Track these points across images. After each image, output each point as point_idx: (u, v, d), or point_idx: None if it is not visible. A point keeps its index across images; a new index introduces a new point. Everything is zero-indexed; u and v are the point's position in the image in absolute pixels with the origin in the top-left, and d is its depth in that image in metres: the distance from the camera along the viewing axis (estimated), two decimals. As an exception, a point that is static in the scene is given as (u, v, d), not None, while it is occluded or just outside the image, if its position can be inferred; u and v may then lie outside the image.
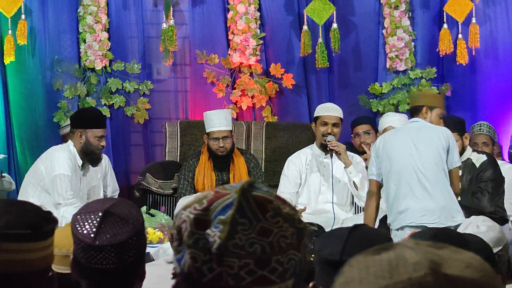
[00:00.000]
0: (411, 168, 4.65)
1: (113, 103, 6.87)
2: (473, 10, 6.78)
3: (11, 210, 1.58)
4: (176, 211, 4.69)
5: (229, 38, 6.97)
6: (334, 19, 6.80)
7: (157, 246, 4.73)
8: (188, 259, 1.18)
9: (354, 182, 5.40)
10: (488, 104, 6.93)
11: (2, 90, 6.63)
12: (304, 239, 1.23)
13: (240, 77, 6.95)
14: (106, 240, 1.91)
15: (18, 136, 6.67)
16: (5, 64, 6.58)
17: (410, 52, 6.95)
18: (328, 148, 5.44)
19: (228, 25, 6.96)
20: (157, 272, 2.54)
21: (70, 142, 5.38)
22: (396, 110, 6.87)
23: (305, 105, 7.03)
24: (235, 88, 6.95)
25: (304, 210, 5.30)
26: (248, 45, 6.86)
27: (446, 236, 2.31)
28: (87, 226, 1.93)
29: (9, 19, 6.48)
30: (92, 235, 1.91)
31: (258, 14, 6.95)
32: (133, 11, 6.91)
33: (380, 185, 4.80)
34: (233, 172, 5.80)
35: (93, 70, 6.83)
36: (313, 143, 5.88)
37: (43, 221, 1.60)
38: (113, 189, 5.82)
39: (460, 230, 3.10)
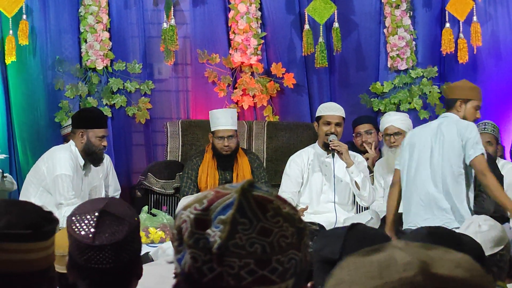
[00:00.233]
0: (424, 169, 4.70)
1: (115, 103, 6.87)
2: (474, 9, 6.78)
3: (12, 210, 1.58)
4: (177, 210, 4.70)
5: (230, 37, 6.97)
6: (335, 18, 6.80)
7: (156, 246, 4.73)
8: (189, 259, 1.18)
9: (356, 182, 5.40)
10: (490, 103, 6.92)
11: (3, 90, 6.63)
12: (304, 239, 1.23)
13: (241, 77, 6.95)
14: (105, 239, 1.91)
15: (19, 136, 6.67)
16: (6, 64, 6.58)
17: (411, 51, 6.95)
18: (330, 148, 5.43)
19: (229, 24, 6.96)
20: (157, 272, 2.54)
21: (71, 142, 5.38)
22: (398, 109, 6.87)
23: (306, 105, 7.03)
24: (236, 88, 6.95)
25: (305, 209, 5.30)
26: (249, 45, 6.86)
27: (440, 235, 2.31)
28: (84, 227, 1.93)
29: (10, 19, 6.48)
30: (90, 235, 1.91)
31: (259, 13, 6.95)
32: (134, 11, 6.91)
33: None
34: (237, 171, 5.80)
35: (94, 70, 6.84)
36: (314, 142, 5.88)
37: (43, 221, 1.60)
38: (114, 189, 5.82)
39: (461, 229, 3.09)
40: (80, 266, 1.92)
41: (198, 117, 6.92)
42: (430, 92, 6.95)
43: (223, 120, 5.73)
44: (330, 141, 5.41)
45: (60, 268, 2.33)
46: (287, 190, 5.59)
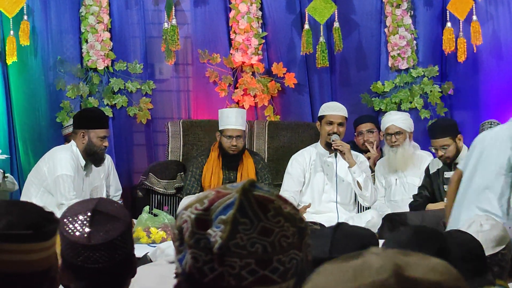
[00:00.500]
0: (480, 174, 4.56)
1: (116, 103, 6.87)
2: (474, 8, 6.78)
3: (12, 210, 1.57)
4: (178, 210, 4.70)
5: (231, 37, 6.96)
6: (336, 18, 6.80)
7: (154, 246, 4.73)
8: (190, 259, 1.18)
9: (358, 182, 5.39)
10: (491, 103, 6.92)
11: (4, 91, 6.63)
12: (305, 239, 1.22)
13: (242, 77, 6.95)
14: (100, 238, 1.91)
15: (20, 136, 6.68)
16: (8, 64, 6.58)
17: (412, 51, 6.94)
18: (332, 148, 5.43)
19: (230, 24, 6.96)
20: (158, 272, 2.54)
21: (72, 142, 5.38)
22: (399, 109, 6.86)
23: (307, 104, 7.02)
24: (237, 88, 6.95)
25: (308, 206, 5.30)
26: (250, 45, 6.86)
27: (425, 234, 2.31)
28: (78, 228, 1.92)
29: (11, 20, 6.48)
30: (86, 236, 1.91)
31: (260, 13, 6.95)
32: (135, 11, 6.91)
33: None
34: (241, 172, 5.80)
35: (95, 70, 6.84)
36: (315, 142, 5.88)
37: (44, 222, 1.60)
38: (116, 189, 5.82)
39: (463, 229, 3.09)
40: (75, 267, 1.91)
41: (199, 117, 6.92)
42: (431, 91, 6.95)
43: (233, 119, 5.72)
44: (333, 140, 5.41)
45: None
46: (289, 189, 5.59)
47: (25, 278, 1.55)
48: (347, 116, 5.61)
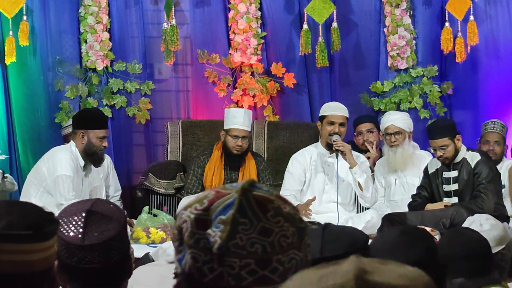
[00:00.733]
0: None
1: (115, 104, 6.87)
2: (471, 8, 6.78)
3: (12, 210, 1.57)
4: (178, 210, 4.69)
5: (230, 37, 6.96)
6: (335, 18, 6.80)
7: (156, 246, 4.73)
8: (189, 259, 1.18)
9: (358, 183, 5.38)
10: (490, 102, 6.92)
11: (3, 91, 6.63)
12: (305, 239, 1.22)
13: (241, 77, 6.95)
14: (95, 238, 1.91)
15: (20, 136, 6.67)
16: (7, 64, 6.58)
17: (411, 51, 6.95)
18: (333, 148, 5.42)
19: (229, 24, 6.96)
20: (158, 272, 2.54)
21: (72, 142, 5.37)
22: (398, 109, 6.87)
23: (306, 104, 7.02)
24: (236, 88, 6.95)
25: (313, 200, 5.29)
26: (249, 45, 6.86)
27: (412, 234, 2.31)
28: (72, 228, 1.92)
29: (10, 20, 6.48)
30: (80, 236, 1.91)
31: (259, 13, 6.95)
32: (134, 11, 6.91)
33: None
34: (243, 172, 5.79)
35: (94, 70, 6.84)
36: (315, 142, 5.87)
37: (44, 222, 1.60)
38: (115, 189, 5.82)
39: (462, 228, 3.09)
40: (70, 268, 1.91)
41: (199, 117, 6.92)
42: (430, 91, 6.95)
43: (240, 119, 5.69)
44: (334, 141, 5.40)
45: None
46: (290, 188, 5.58)
47: (25, 278, 1.55)
48: (348, 116, 5.61)
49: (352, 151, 5.48)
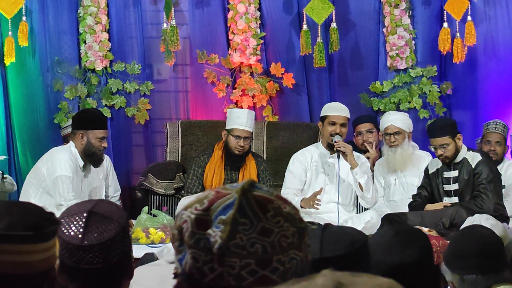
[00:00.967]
0: None
1: (114, 104, 6.87)
2: (469, 8, 6.78)
3: (13, 211, 1.57)
4: (177, 211, 4.69)
5: (229, 38, 6.96)
6: (334, 18, 6.80)
7: (159, 246, 4.73)
8: (189, 259, 1.18)
9: (359, 183, 5.38)
10: (489, 102, 6.92)
11: (2, 91, 6.63)
12: (305, 239, 1.22)
13: (241, 77, 6.95)
14: (94, 239, 1.91)
15: (19, 137, 6.67)
16: (6, 65, 6.58)
17: (410, 51, 6.95)
18: (335, 149, 5.41)
19: (228, 25, 6.96)
20: (158, 272, 2.54)
21: (71, 143, 5.37)
22: (397, 109, 6.86)
23: (305, 104, 7.02)
24: (235, 88, 6.95)
25: (320, 191, 5.28)
26: (248, 45, 6.86)
27: (407, 234, 2.31)
28: (73, 228, 1.93)
29: (9, 20, 6.48)
30: (80, 236, 1.91)
31: (258, 13, 6.95)
32: (133, 12, 6.91)
33: None
34: (243, 172, 5.78)
35: (93, 71, 6.84)
36: (314, 142, 5.87)
37: (45, 222, 1.60)
38: (114, 190, 5.81)
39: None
40: (70, 268, 1.91)
41: (198, 117, 6.92)
42: (429, 91, 6.95)
43: (243, 120, 5.69)
44: (335, 142, 5.39)
45: None
46: (291, 186, 5.57)
47: (25, 279, 1.55)
48: (349, 116, 5.60)
49: (353, 151, 5.48)
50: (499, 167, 5.55)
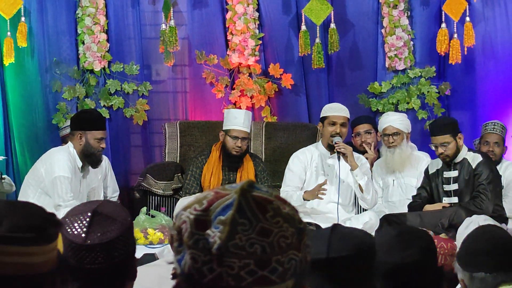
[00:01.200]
0: None
1: (112, 105, 6.87)
2: (467, 9, 6.78)
3: (16, 212, 1.57)
4: (175, 211, 4.68)
5: (228, 38, 6.96)
6: (332, 19, 6.80)
7: (157, 247, 4.74)
8: (189, 260, 1.18)
9: (359, 185, 5.37)
10: (488, 103, 6.93)
11: (1, 92, 6.63)
12: (304, 239, 1.22)
13: (239, 78, 6.95)
14: (97, 238, 1.91)
15: (17, 138, 6.67)
16: (4, 65, 6.58)
17: (409, 51, 6.95)
18: (335, 150, 5.41)
19: (227, 25, 6.96)
20: (157, 272, 2.54)
21: (70, 143, 5.37)
22: (396, 109, 6.87)
23: (304, 105, 7.02)
24: (234, 89, 6.95)
25: (325, 183, 5.26)
26: (247, 46, 6.86)
27: (410, 234, 2.31)
28: (77, 227, 1.93)
29: (8, 21, 6.48)
30: (83, 235, 1.91)
31: (256, 14, 6.95)
32: (131, 12, 6.91)
33: None
34: (241, 173, 5.78)
35: (92, 71, 6.83)
36: (312, 142, 5.87)
37: (48, 224, 1.59)
38: (113, 190, 5.81)
39: (461, 229, 3.10)
40: (72, 268, 1.91)
41: (197, 118, 6.92)
42: (428, 92, 6.95)
43: (241, 120, 5.69)
44: (335, 143, 5.38)
45: None
46: (291, 184, 5.55)
47: (26, 280, 1.55)
48: (349, 117, 5.60)
49: (353, 152, 5.48)
50: (497, 168, 5.55)
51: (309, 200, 5.34)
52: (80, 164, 5.33)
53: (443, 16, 6.84)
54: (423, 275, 2.21)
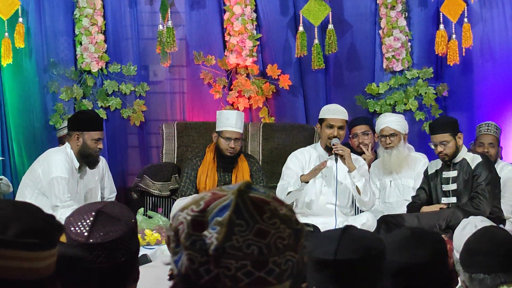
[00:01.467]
0: None
1: (109, 105, 6.86)
2: (465, 10, 6.79)
3: (21, 216, 1.56)
4: (172, 212, 4.68)
5: (225, 39, 6.96)
6: (330, 20, 6.80)
7: (154, 248, 4.73)
8: (185, 261, 1.18)
9: (357, 187, 5.37)
10: (485, 104, 6.93)
11: (-2, 93, 6.63)
12: (301, 240, 1.22)
13: (237, 78, 6.94)
14: (100, 238, 1.91)
15: (15, 138, 6.67)
16: (2, 66, 6.57)
17: (406, 52, 6.95)
18: (333, 152, 5.40)
19: (224, 26, 6.96)
20: (154, 273, 2.54)
21: (67, 144, 5.37)
22: (393, 110, 6.87)
23: (301, 106, 7.02)
24: (231, 89, 6.95)
25: (325, 165, 5.25)
26: (244, 46, 6.86)
27: (422, 235, 2.31)
28: (80, 226, 1.94)
29: (6, 22, 6.48)
30: (86, 234, 1.92)
31: (254, 15, 6.95)
32: (129, 13, 6.91)
33: None
34: (236, 174, 5.79)
35: (89, 72, 6.83)
36: (310, 143, 5.87)
37: (53, 229, 1.60)
38: (110, 191, 5.81)
39: (458, 230, 3.10)
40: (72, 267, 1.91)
41: (194, 118, 6.92)
42: (425, 93, 6.95)
43: (233, 121, 5.70)
44: (333, 145, 5.38)
45: None
46: (288, 179, 5.52)
47: (30, 284, 1.55)
48: (347, 119, 5.60)
49: (351, 154, 5.47)
50: (494, 169, 5.56)
51: (307, 182, 5.30)
52: (77, 164, 5.33)
53: (441, 17, 6.85)
54: (433, 276, 2.21)
